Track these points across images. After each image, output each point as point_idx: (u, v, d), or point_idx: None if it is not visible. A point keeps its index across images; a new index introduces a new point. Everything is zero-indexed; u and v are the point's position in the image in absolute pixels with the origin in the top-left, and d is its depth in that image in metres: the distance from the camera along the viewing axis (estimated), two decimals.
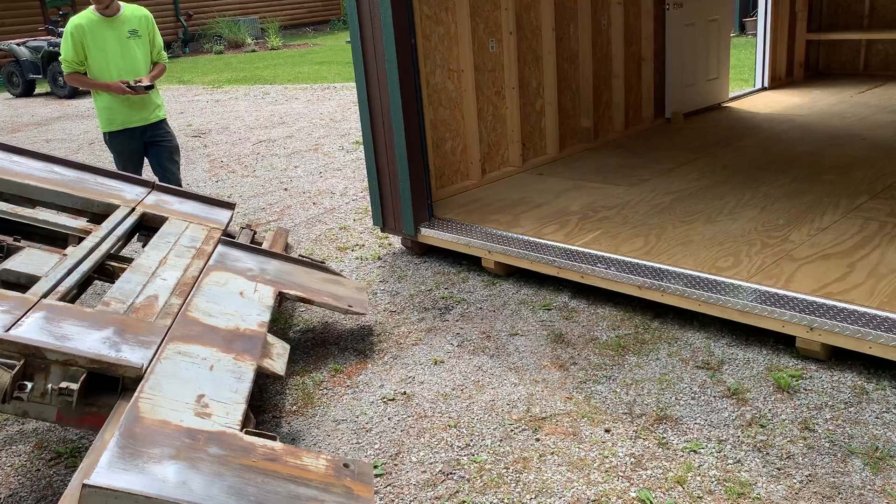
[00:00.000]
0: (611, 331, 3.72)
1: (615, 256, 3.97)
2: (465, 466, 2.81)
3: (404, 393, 3.34)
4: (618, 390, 3.21)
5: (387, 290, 4.45)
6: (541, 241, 4.29)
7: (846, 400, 3.01)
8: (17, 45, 15.07)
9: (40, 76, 14.79)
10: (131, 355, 2.58)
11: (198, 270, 3.42)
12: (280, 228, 4.72)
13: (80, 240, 3.52)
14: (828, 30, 8.75)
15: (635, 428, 2.95)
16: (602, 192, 5.08)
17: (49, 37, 15.55)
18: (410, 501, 2.66)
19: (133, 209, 3.91)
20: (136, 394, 2.41)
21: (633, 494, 2.59)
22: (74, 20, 4.74)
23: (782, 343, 3.43)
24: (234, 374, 2.72)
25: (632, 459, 2.77)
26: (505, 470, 2.77)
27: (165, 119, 5.08)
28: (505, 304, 4.12)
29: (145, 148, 5.02)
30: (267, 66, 16.74)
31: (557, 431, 2.97)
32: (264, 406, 3.33)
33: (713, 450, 2.78)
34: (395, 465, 2.86)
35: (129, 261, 3.53)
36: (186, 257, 3.53)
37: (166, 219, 3.92)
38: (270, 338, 3.12)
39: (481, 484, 2.70)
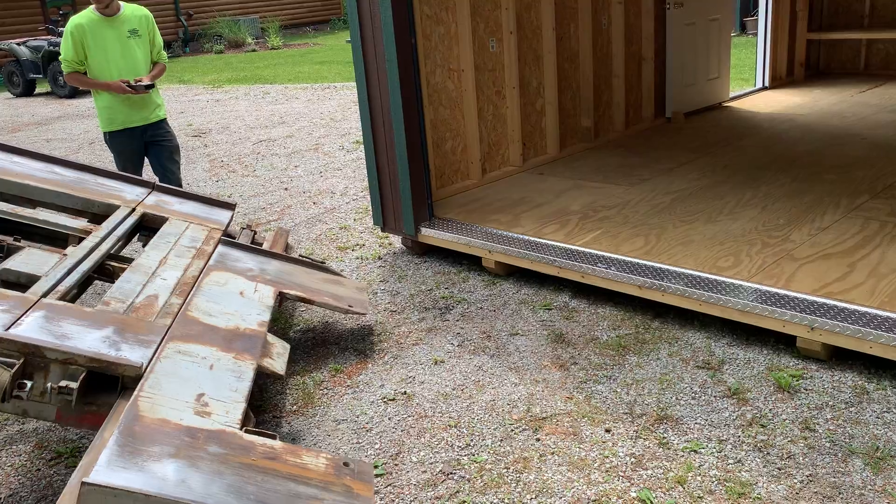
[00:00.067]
0: (611, 331, 3.72)
1: (616, 256, 3.97)
2: (466, 466, 2.80)
3: (405, 393, 3.34)
4: (618, 390, 3.21)
5: (387, 289, 4.44)
6: (541, 240, 4.29)
7: (847, 400, 3.00)
8: (18, 44, 15.08)
9: (40, 76, 14.80)
10: (131, 354, 2.58)
11: (198, 270, 3.42)
12: (280, 229, 4.72)
13: (81, 240, 3.52)
14: (828, 29, 8.74)
15: (636, 428, 2.94)
16: (602, 192, 5.08)
17: (49, 36, 15.56)
18: (411, 501, 2.65)
19: (133, 209, 3.91)
20: (135, 392, 2.41)
21: (634, 494, 2.58)
22: (75, 20, 4.74)
23: (783, 343, 3.43)
24: (234, 374, 2.72)
25: (632, 459, 2.76)
26: (505, 470, 2.77)
27: (166, 119, 5.08)
28: (505, 303, 4.12)
29: (146, 147, 5.02)
30: (267, 65, 16.74)
31: (558, 431, 2.97)
32: (264, 406, 3.32)
33: (714, 450, 2.77)
34: (396, 464, 2.85)
35: (129, 261, 3.53)
36: (186, 257, 3.53)
37: (166, 219, 3.92)
38: (270, 337, 3.12)
39: (482, 484, 2.70)
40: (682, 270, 3.71)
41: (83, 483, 1.94)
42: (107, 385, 2.52)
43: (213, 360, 2.75)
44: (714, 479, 2.62)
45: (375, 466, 2.83)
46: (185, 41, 21.28)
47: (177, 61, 18.79)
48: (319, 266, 4.01)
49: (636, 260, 3.90)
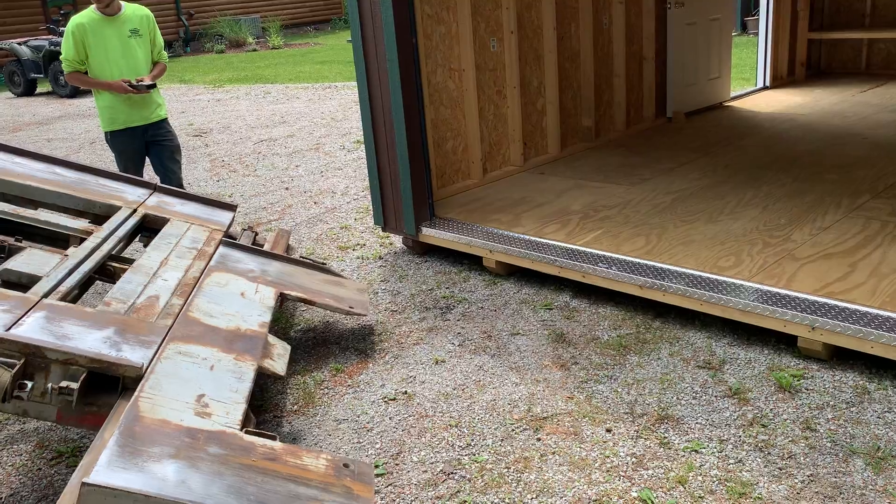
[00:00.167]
0: (612, 330, 3.72)
1: (616, 256, 3.96)
2: (466, 466, 2.80)
3: (405, 392, 3.34)
4: (619, 390, 3.21)
5: (388, 289, 4.44)
6: (542, 240, 4.29)
7: (848, 400, 3.00)
8: (19, 44, 15.08)
9: (41, 75, 14.81)
10: (132, 355, 2.58)
11: (199, 271, 3.42)
12: (281, 230, 4.72)
13: (82, 240, 3.52)
14: (829, 29, 8.73)
15: (636, 428, 2.94)
16: (603, 192, 5.08)
17: (50, 36, 15.56)
18: (411, 501, 2.66)
19: (135, 210, 3.91)
20: (136, 393, 2.41)
21: (635, 494, 2.58)
22: (76, 19, 4.74)
23: (784, 343, 3.42)
24: (235, 374, 2.72)
25: (633, 459, 2.76)
26: (506, 470, 2.77)
27: (167, 118, 5.08)
28: (506, 303, 4.11)
29: (147, 147, 5.02)
30: (268, 65, 16.74)
31: (558, 431, 2.97)
32: (265, 406, 3.33)
33: (714, 449, 2.77)
34: (396, 464, 2.85)
35: (130, 261, 3.53)
36: (188, 258, 3.53)
37: (168, 220, 3.92)
38: (271, 338, 3.12)
39: (482, 484, 2.70)
40: (683, 270, 3.71)
41: (83, 483, 1.95)
42: (107, 385, 2.52)
43: (214, 361, 2.75)
44: (715, 479, 2.62)
45: (376, 466, 2.83)
46: (186, 41, 21.28)
47: (178, 61, 18.80)
48: (320, 267, 4.02)
49: (637, 260, 3.89)
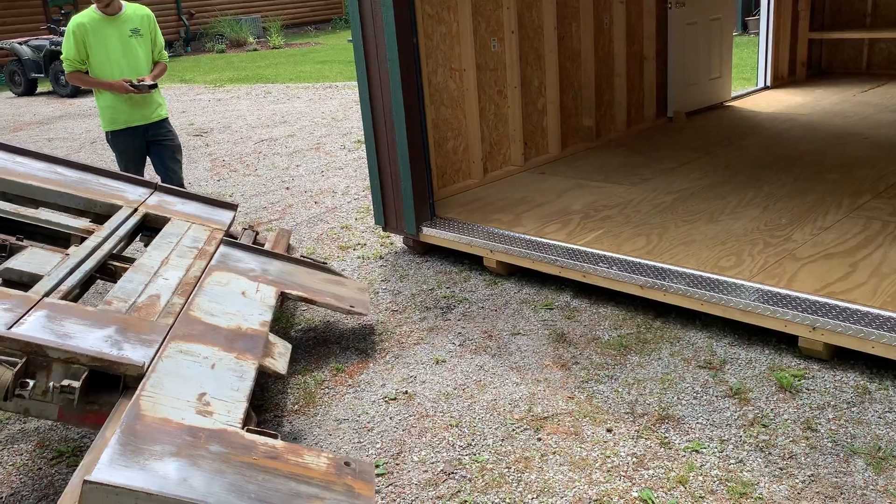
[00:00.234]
0: (613, 330, 3.72)
1: (617, 256, 3.96)
2: (467, 466, 2.80)
3: (406, 392, 3.34)
4: (620, 390, 3.21)
5: (388, 289, 4.45)
6: (543, 240, 4.29)
7: (849, 400, 3.00)
8: (19, 43, 15.09)
9: (42, 75, 14.81)
10: (133, 353, 2.58)
11: (200, 270, 3.42)
12: (282, 229, 4.72)
13: (83, 240, 3.52)
14: (830, 29, 8.73)
15: (637, 428, 2.94)
16: (604, 192, 5.08)
17: (51, 36, 15.57)
18: (412, 501, 2.66)
19: (135, 210, 3.92)
20: (137, 392, 2.41)
21: (635, 494, 2.58)
22: (76, 19, 4.74)
23: (785, 343, 3.42)
24: (236, 373, 2.72)
25: (634, 459, 2.76)
26: (506, 469, 2.77)
27: (167, 118, 5.08)
28: (507, 303, 4.12)
29: (147, 147, 5.02)
30: (269, 64, 16.75)
31: (559, 431, 2.97)
32: (266, 405, 3.33)
33: (715, 450, 2.77)
34: (397, 464, 2.85)
35: (131, 261, 3.53)
36: (188, 257, 3.53)
37: (168, 219, 3.92)
38: (272, 337, 3.12)
39: (483, 483, 2.70)
40: (684, 270, 3.71)
41: (85, 481, 1.95)
42: (109, 384, 2.52)
43: (215, 360, 2.75)
44: (716, 479, 2.62)
45: (377, 466, 2.83)
46: (187, 40, 21.29)
47: (178, 60, 18.80)
48: (321, 266, 4.02)
49: (638, 259, 3.89)
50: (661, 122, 7.07)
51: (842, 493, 2.51)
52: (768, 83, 8.42)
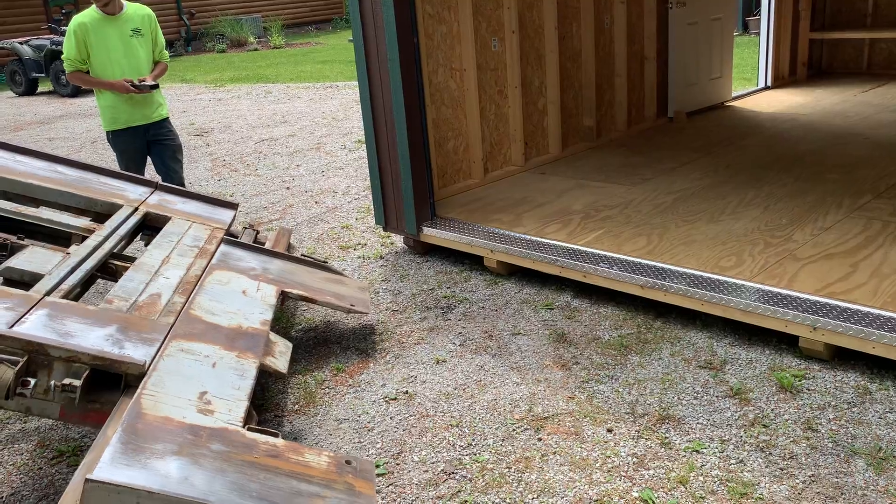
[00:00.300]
0: (613, 330, 3.72)
1: (618, 256, 3.96)
2: (467, 466, 2.81)
3: (406, 392, 3.34)
4: (620, 390, 3.21)
5: (389, 289, 4.45)
6: (543, 240, 4.29)
7: (849, 400, 3.00)
8: (20, 43, 15.10)
9: (43, 75, 14.82)
10: (134, 352, 2.58)
11: (200, 269, 3.42)
12: (282, 228, 4.72)
13: (84, 239, 3.52)
14: (831, 29, 8.73)
15: (638, 428, 2.94)
16: (604, 192, 5.08)
17: (52, 35, 15.58)
18: (412, 501, 2.66)
19: (136, 209, 3.92)
20: (138, 390, 2.41)
21: (636, 494, 2.58)
22: (77, 18, 4.74)
23: (785, 343, 3.43)
24: (237, 372, 2.72)
25: (634, 459, 2.76)
26: (507, 469, 2.77)
27: (168, 117, 5.08)
28: (507, 303, 4.12)
29: (148, 146, 5.03)
30: (269, 64, 16.75)
31: (559, 431, 2.97)
32: (266, 405, 3.33)
33: (716, 450, 2.77)
34: (397, 464, 2.86)
35: (132, 260, 3.53)
36: (189, 256, 3.53)
37: (169, 218, 3.92)
38: (273, 336, 3.12)
39: (483, 483, 2.70)
40: (685, 270, 3.71)
41: (87, 480, 1.95)
42: (110, 383, 2.52)
43: (216, 359, 2.75)
44: (716, 480, 2.62)
45: (377, 466, 2.83)
46: (188, 40, 21.29)
47: (179, 60, 18.80)
48: (321, 265, 4.02)
49: (638, 260, 3.89)
50: (662, 122, 7.07)
51: (842, 494, 2.51)
52: (769, 83, 8.42)
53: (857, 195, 4.62)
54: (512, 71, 5.49)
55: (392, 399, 3.29)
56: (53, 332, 2.54)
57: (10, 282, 3.07)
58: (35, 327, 2.55)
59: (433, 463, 2.84)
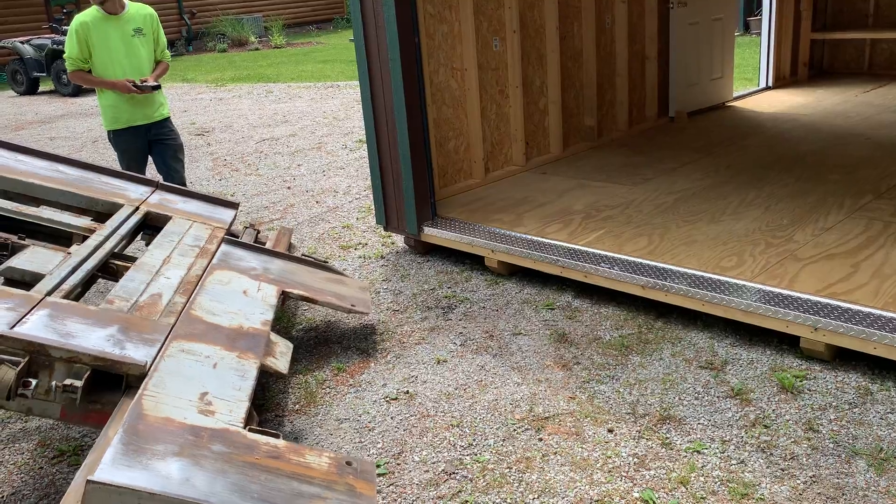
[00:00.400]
0: (614, 330, 3.72)
1: (619, 256, 3.96)
2: (468, 466, 2.81)
3: (407, 392, 3.34)
4: (621, 390, 3.21)
5: (390, 288, 4.45)
6: (544, 240, 4.29)
7: (850, 401, 3.00)
8: (21, 43, 15.10)
9: (44, 74, 14.83)
10: (135, 353, 2.58)
11: (201, 269, 3.42)
12: (283, 228, 4.72)
13: (84, 238, 3.52)
14: (832, 29, 8.72)
15: (638, 428, 2.94)
16: (605, 192, 5.08)
17: (53, 35, 15.58)
18: (413, 501, 2.66)
19: (137, 208, 3.92)
20: (139, 391, 2.41)
21: (637, 495, 2.58)
22: (79, 18, 4.74)
23: (786, 343, 3.42)
24: (238, 372, 2.72)
25: (635, 460, 2.76)
26: (508, 470, 2.77)
27: (169, 117, 5.08)
28: (508, 303, 4.12)
29: (149, 146, 5.03)
30: (270, 64, 16.75)
31: (560, 431, 2.97)
32: (267, 405, 3.33)
33: (717, 450, 2.77)
34: (398, 464, 2.86)
35: (132, 259, 3.53)
36: (190, 256, 3.53)
37: (170, 218, 3.92)
38: (274, 336, 3.12)
39: (484, 484, 2.70)
40: (686, 270, 3.71)
41: (88, 481, 1.95)
42: (111, 383, 2.52)
43: (217, 359, 2.75)
44: (717, 480, 2.62)
45: (378, 466, 2.83)
46: (189, 40, 21.29)
47: (180, 60, 18.81)
48: (322, 265, 4.02)
49: (639, 260, 3.89)
50: (663, 122, 7.07)
51: (843, 495, 2.51)
52: (770, 83, 8.42)
53: (858, 195, 4.62)
54: (513, 70, 5.48)
55: (393, 399, 3.29)
56: (54, 333, 2.54)
57: (11, 282, 3.07)
58: (36, 328, 2.55)
59: (434, 463, 2.84)
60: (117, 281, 3.26)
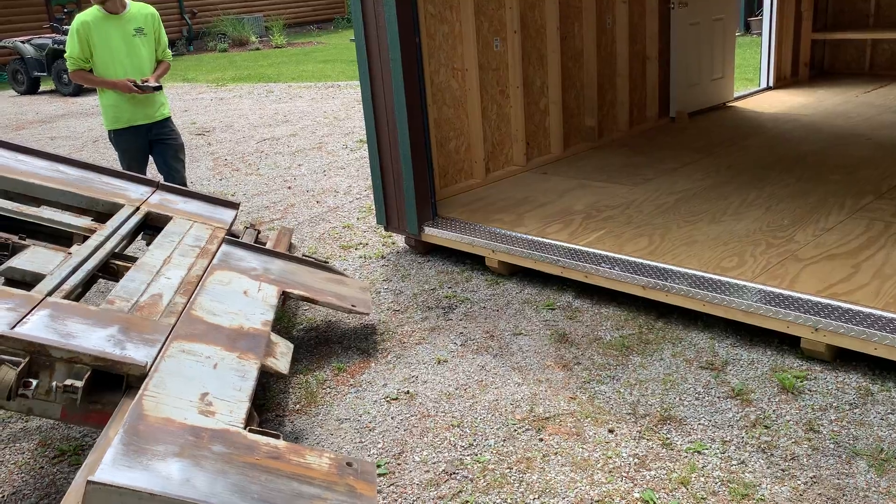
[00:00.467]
0: (615, 331, 3.72)
1: (619, 256, 3.96)
2: (469, 466, 2.81)
3: (407, 392, 3.34)
4: (621, 390, 3.21)
5: (390, 288, 4.45)
6: (545, 240, 4.29)
7: (851, 401, 3.00)
8: (22, 42, 15.11)
9: (45, 74, 14.83)
10: (135, 353, 2.58)
11: (202, 269, 3.42)
12: (284, 228, 4.72)
13: (85, 238, 3.52)
14: (833, 29, 8.72)
15: (639, 428, 2.94)
16: (606, 192, 5.08)
17: (54, 34, 15.59)
18: (413, 501, 2.66)
19: (137, 208, 3.92)
20: (140, 391, 2.41)
21: (637, 495, 2.58)
22: (80, 17, 4.74)
23: (787, 344, 3.42)
24: (238, 373, 2.72)
25: (635, 460, 2.76)
26: (508, 470, 2.77)
27: (170, 117, 5.08)
28: (508, 303, 4.12)
29: (150, 146, 5.03)
30: (271, 64, 16.75)
31: (561, 431, 2.97)
32: (267, 405, 3.33)
33: (717, 451, 2.77)
34: (399, 464, 2.86)
35: (133, 260, 3.53)
36: (191, 256, 3.53)
37: (171, 218, 3.92)
38: (274, 336, 3.12)
39: (484, 484, 2.70)
40: (686, 271, 3.71)
41: (88, 482, 1.95)
42: (111, 384, 2.52)
43: (217, 360, 2.75)
44: (717, 481, 2.62)
45: (378, 466, 2.83)
46: (189, 39, 21.29)
47: (181, 59, 18.81)
48: (323, 265, 4.02)
49: (640, 260, 3.89)
50: (664, 122, 7.07)
51: (844, 495, 2.51)
52: (771, 84, 8.42)
53: (859, 196, 4.61)
54: (514, 71, 5.48)
55: (393, 399, 3.29)
56: (55, 333, 2.54)
57: (11, 282, 3.07)
58: (37, 328, 2.55)
59: (434, 463, 2.84)
60: (118, 281, 3.26)
